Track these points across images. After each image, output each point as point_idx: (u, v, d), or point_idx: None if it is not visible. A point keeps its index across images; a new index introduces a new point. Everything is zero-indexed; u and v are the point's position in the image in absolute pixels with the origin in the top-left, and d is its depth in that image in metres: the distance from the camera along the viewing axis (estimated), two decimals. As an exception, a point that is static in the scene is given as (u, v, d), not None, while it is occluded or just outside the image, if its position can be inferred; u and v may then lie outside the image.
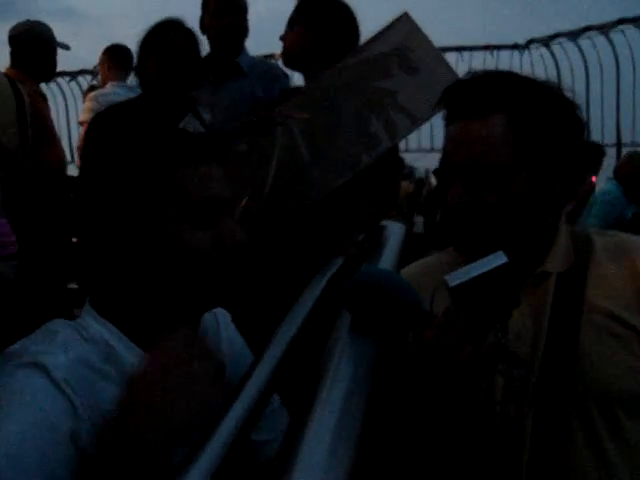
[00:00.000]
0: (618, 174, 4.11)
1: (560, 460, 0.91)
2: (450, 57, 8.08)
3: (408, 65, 1.62)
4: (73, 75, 8.00)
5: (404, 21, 1.62)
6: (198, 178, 0.80)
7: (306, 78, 1.98)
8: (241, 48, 2.45)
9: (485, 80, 0.98)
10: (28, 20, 2.87)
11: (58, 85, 7.93)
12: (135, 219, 0.79)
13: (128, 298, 0.81)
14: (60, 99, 8.10)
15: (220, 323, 0.98)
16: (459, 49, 8.02)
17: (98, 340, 0.77)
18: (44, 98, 2.92)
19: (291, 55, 2.01)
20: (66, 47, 3.07)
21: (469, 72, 1.02)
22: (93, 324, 0.79)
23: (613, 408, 0.92)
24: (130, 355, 0.78)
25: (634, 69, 7.39)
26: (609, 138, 7.38)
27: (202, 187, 0.80)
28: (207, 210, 0.80)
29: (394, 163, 1.47)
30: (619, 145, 7.22)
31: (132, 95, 2.49)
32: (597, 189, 4.26)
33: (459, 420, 0.94)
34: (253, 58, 2.55)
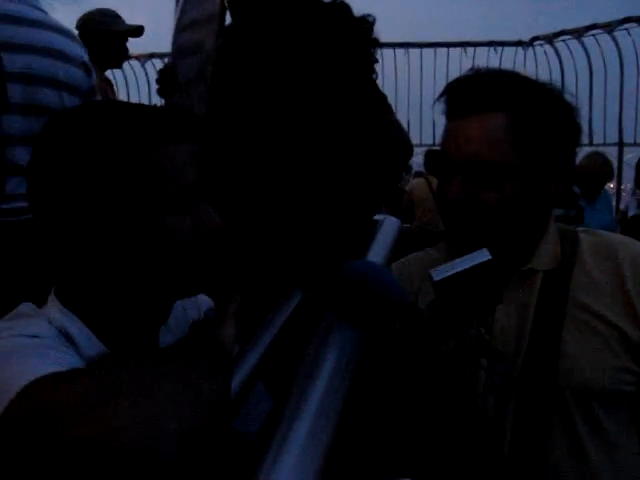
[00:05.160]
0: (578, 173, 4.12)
1: (539, 453, 0.93)
2: (454, 53, 8.10)
3: None
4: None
5: None
6: (176, 162, 0.76)
7: None
8: None
9: (488, 78, 0.98)
10: (96, 9, 2.93)
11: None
12: (110, 205, 0.74)
13: (96, 289, 0.78)
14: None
15: (203, 315, 0.95)
16: (463, 45, 8.02)
17: (60, 330, 0.76)
18: (109, 84, 3.07)
19: None
20: (136, 34, 3.00)
21: (471, 69, 1.02)
22: (56, 314, 0.77)
23: (591, 403, 0.93)
24: (90, 347, 0.76)
25: (638, 69, 7.38)
26: (611, 138, 7.38)
27: (180, 171, 0.76)
28: (186, 195, 0.76)
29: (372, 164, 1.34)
30: (621, 145, 7.22)
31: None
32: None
33: (444, 411, 0.96)
34: None
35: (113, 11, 2.97)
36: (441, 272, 0.82)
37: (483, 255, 0.81)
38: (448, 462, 1.00)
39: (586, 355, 0.94)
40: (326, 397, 0.68)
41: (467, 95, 0.96)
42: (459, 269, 0.81)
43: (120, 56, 3.05)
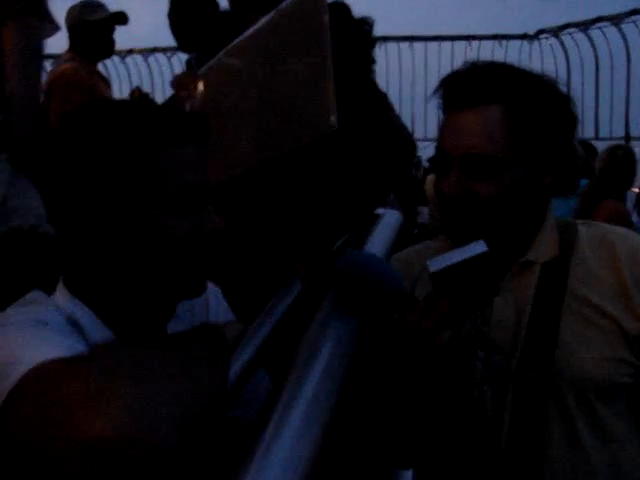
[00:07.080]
0: None
1: (536, 443, 0.94)
2: (458, 46, 8.07)
3: None
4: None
5: None
6: (178, 164, 0.77)
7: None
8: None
9: (482, 71, 0.99)
10: (79, 2, 2.92)
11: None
12: (109, 204, 0.75)
13: (102, 282, 0.80)
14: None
15: (211, 304, 0.98)
16: (467, 38, 7.99)
17: (69, 317, 0.77)
18: (102, 78, 3.06)
19: None
20: (120, 21, 2.98)
21: (466, 62, 1.03)
22: (64, 302, 0.79)
23: (588, 395, 0.94)
24: (97, 335, 0.77)
25: (645, 61, 7.33)
26: (617, 131, 7.35)
27: (182, 174, 0.77)
28: (186, 198, 0.77)
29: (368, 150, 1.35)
30: (627, 138, 7.18)
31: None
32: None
33: (441, 401, 0.97)
34: None
35: (95, 2, 2.93)
36: (438, 263, 0.82)
37: (479, 247, 0.82)
38: (447, 453, 1.01)
39: (583, 347, 0.94)
40: (322, 385, 0.69)
41: (462, 88, 0.97)
42: (455, 260, 0.82)
43: (106, 46, 2.99)
